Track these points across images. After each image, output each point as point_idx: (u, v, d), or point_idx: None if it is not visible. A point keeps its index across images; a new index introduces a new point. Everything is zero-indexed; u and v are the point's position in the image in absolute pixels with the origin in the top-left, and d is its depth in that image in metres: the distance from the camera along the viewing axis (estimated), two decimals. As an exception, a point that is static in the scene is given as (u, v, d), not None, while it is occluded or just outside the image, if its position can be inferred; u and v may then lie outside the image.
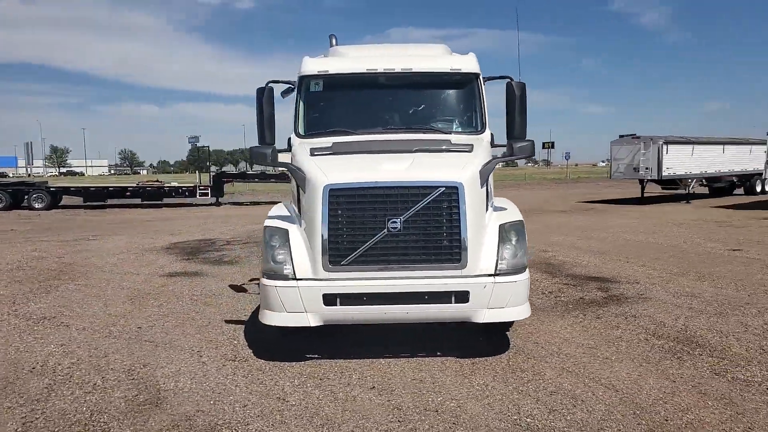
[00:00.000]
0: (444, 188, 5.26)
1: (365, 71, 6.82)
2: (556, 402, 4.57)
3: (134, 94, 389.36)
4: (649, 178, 26.79)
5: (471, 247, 5.26)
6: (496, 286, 5.31)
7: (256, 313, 7.19)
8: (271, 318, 5.44)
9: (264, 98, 6.73)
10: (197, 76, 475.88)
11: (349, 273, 5.28)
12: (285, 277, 5.36)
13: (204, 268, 10.87)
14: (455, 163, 5.56)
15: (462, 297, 5.28)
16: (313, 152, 5.84)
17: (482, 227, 5.46)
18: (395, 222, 5.22)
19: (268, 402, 4.67)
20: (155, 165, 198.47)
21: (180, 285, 9.24)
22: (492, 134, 6.92)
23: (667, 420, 4.22)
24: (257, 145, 6.04)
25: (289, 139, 6.90)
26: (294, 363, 5.55)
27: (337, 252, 5.26)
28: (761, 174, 30.72)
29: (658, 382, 4.93)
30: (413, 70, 6.81)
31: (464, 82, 6.95)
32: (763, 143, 30.59)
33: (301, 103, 6.91)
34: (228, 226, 18.82)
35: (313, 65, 6.94)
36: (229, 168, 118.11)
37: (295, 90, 7.00)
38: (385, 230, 5.22)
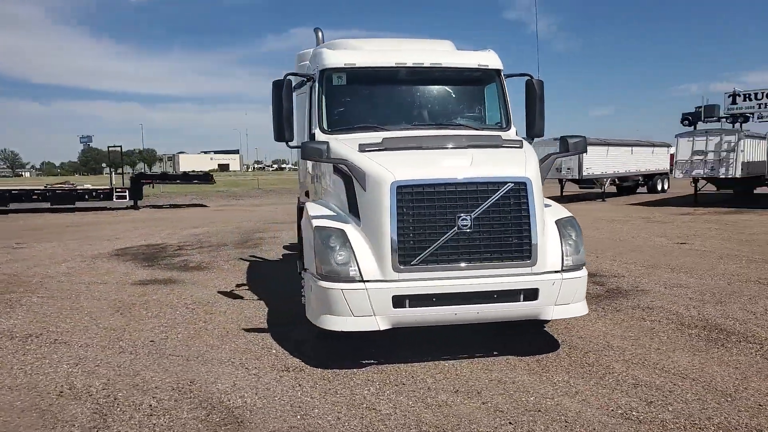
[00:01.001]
0: (513, 184, 5.19)
1: (394, 65, 6.63)
2: (647, 394, 4.62)
3: (13, 91, 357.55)
4: (569, 177, 28.22)
5: (540, 244, 5.22)
6: (564, 282, 5.31)
7: (275, 321, 6.81)
8: (335, 323, 5.12)
9: (283, 92, 6.38)
10: (84, 72, 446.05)
11: (419, 273, 5.08)
12: (351, 279, 5.07)
13: (174, 275, 10.13)
14: (517, 160, 5.50)
15: (531, 294, 5.23)
16: (363, 148, 5.57)
17: (544, 224, 5.44)
18: (466, 219, 5.09)
19: (361, 412, 4.39)
20: (39, 167, 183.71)
21: (162, 293, 8.55)
22: (516, 131, 6.96)
23: (761, 405, 4.38)
24: (308, 140, 5.66)
25: (313, 134, 6.55)
26: (355, 370, 5.26)
27: (407, 251, 5.05)
28: (663, 174, 33.20)
29: (724, 369, 5.13)
30: (442, 65, 6.72)
31: (489, 78, 6.94)
32: (664, 146, 33.11)
33: (324, 97, 6.59)
34: (165, 230, 17.72)
35: (338, 57, 6.65)
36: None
37: (316, 83, 6.67)
38: (456, 228, 5.08)
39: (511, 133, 6.71)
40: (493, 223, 5.15)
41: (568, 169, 28.03)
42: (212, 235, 16.12)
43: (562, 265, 5.33)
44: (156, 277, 9.93)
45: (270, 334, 6.41)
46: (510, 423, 4.18)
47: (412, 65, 6.66)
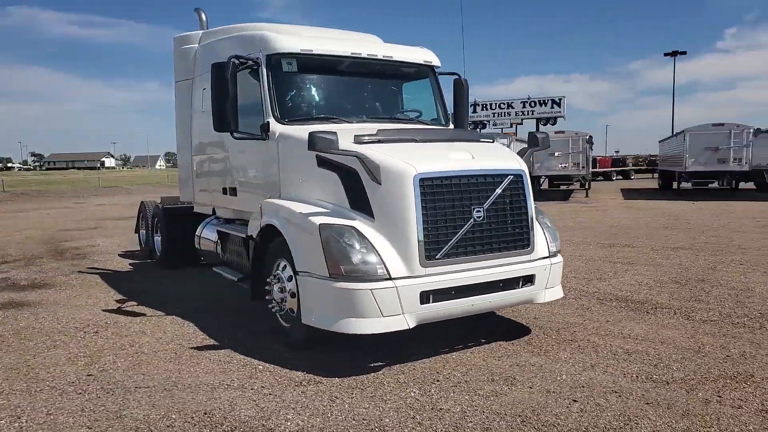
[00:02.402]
0: (513, 176, 5.41)
1: (350, 54, 6.40)
2: (645, 359, 5.21)
3: None
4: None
5: (534, 233, 5.54)
6: (552, 267, 5.70)
7: (220, 334, 6.06)
8: (363, 326, 4.78)
9: (228, 75, 5.77)
10: None
11: (443, 267, 5.02)
12: (379, 278, 4.79)
13: (14, 296, 8.22)
14: (506, 154, 5.74)
15: (529, 280, 5.52)
16: (360, 140, 5.26)
17: None
18: (479, 211, 5.17)
19: (434, 414, 4.18)
20: None
21: (26, 319, 6.92)
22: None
23: (727, 356, 5.27)
24: (319, 131, 5.08)
25: (266, 124, 5.99)
26: (373, 374, 4.95)
27: (431, 246, 4.96)
28: None
29: (672, 331, 6.02)
30: (393, 59, 6.69)
31: (427, 75, 7.08)
32: None
33: (272, 84, 6.06)
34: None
35: (293, 42, 6.20)
36: None
37: (262, 68, 6.13)
38: (471, 219, 5.13)
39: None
40: (499, 214, 5.30)
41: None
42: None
43: (549, 252, 5.71)
44: (2, 300, 7.96)
45: (231, 348, 5.66)
46: (573, 401, 4.37)
47: (366, 56, 6.48)
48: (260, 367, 5.19)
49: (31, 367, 5.30)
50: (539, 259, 5.59)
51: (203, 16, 8.53)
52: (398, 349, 5.48)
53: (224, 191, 7.16)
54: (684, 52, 55.39)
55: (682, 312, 6.75)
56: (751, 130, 25.23)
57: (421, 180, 4.94)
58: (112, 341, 6.02)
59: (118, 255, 12.04)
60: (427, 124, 6.76)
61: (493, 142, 6.06)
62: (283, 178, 5.96)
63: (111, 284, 8.95)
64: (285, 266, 5.59)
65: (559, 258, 5.84)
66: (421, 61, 6.89)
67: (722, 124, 25.59)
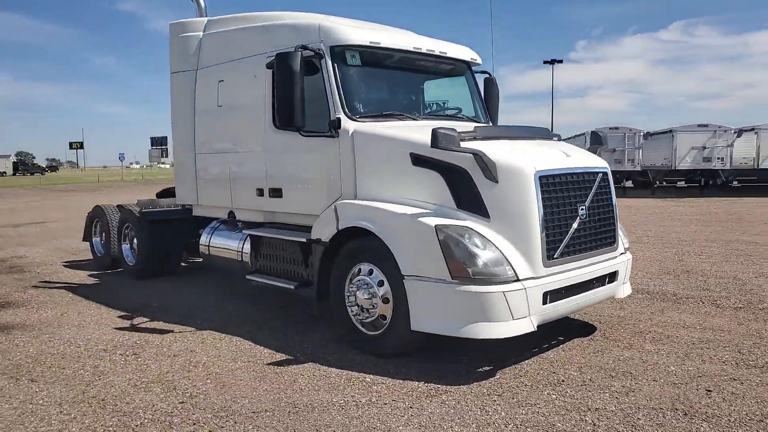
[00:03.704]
0: (602, 173, 5.50)
1: (412, 49, 6.18)
2: (716, 345, 5.51)
3: None
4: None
5: (617, 229, 5.67)
6: (628, 262, 5.87)
7: (307, 348, 5.60)
8: (495, 330, 4.64)
9: (297, 67, 5.42)
10: None
11: (559, 266, 5.00)
12: (509, 280, 4.66)
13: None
14: (587, 152, 5.80)
15: (613, 276, 5.63)
16: (463, 137, 5.08)
17: None
18: (583, 209, 5.20)
19: (591, 415, 4.12)
20: None
21: (53, 343, 5.97)
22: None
23: (792, 338, 5.72)
24: (441, 128, 4.80)
25: (337, 120, 5.63)
26: (493, 380, 4.81)
27: (550, 244, 4.93)
28: None
29: (717, 320, 6.42)
30: (447, 55, 6.58)
31: (467, 72, 7.02)
32: None
33: (339, 78, 5.74)
34: None
35: (358, 34, 5.88)
36: None
37: (327, 60, 5.77)
38: (578, 217, 5.15)
39: None
40: (596, 212, 5.36)
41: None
42: None
43: (624, 248, 5.87)
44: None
45: (313, 362, 5.26)
46: (708, 390, 4.51)
47: (425, 51, 6.30)
48: (367, 379, 4.85)
49: (97, 398, 4.57)
50: (620, 255, 5.73)
51: (202, 2, 7.83)
52: (487, 351, 5.33)
53: (260, 193, 6.60)
54: (560, 61, 59.60)
55: (709, 301, 7.21)
56: (642, 133, 27.69)
57: (541, 178, 4.86)
58: (165, 363, 5.34)
59: (63, 266, 10.73)
60: (478, 122, 6.69)
61: (560, 139, 6.12)
62: (361, 177, 5.59)
63: (94, 299, 7.94)
64: (371, 270, 5.26)
65: (629, 254, 6.01)
66: (468, 59, 6.81)
67: (617, 128, 27.82)
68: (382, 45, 5.91)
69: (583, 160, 5.46)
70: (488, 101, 7.24)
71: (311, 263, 5.98)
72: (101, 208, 10.22)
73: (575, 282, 5.11)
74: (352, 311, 5.44)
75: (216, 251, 7.45)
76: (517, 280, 4.68)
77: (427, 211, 4.98)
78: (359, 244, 5.42)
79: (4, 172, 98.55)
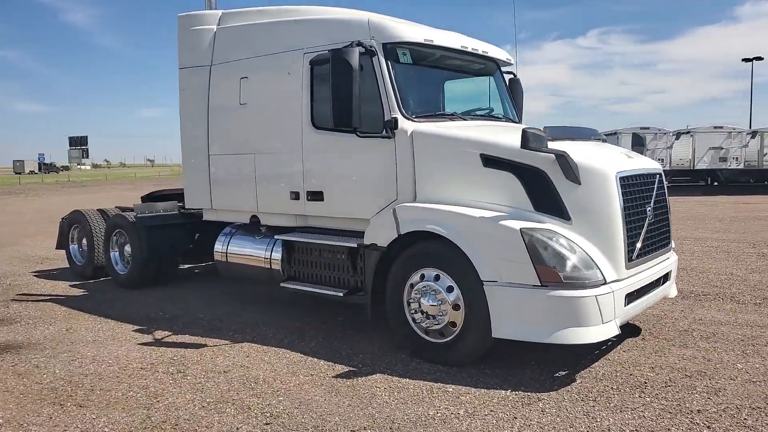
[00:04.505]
0: (659, 174, 5.56)
1: (459, 48, 6.06)
2: (771, 342, 5.69)
3: None
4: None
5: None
6: (676, 262, 5.96)
7: (365, 359, 5.36)
8: (587, 335, 4.57)
9: (356, 65, 5.23)
10: None
11: (636, 268, 4.99)
12: (599, 283, 4.60)
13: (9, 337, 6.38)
14: (637, 153, 5.84)
15: (667, 277, 5.70)
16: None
17: None
18: (650, 210, 5.23)
19: (698, 417, 4.12)
20: None
21: (78, 363, 5.43)
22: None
23: (827, 332, 5.96)
24: (530, 128, 4.66)
25: (393, 120, 5.43)
26: (577, 384, 4.74)
27: (630, 246, 4.90)
28: None
29: (752, 316, 6.64)
30: (489, 54, 6.49)
31: (497, 71, 6.95)
32: None
33: (393, 77, 5.55)
34: None
35: (412, 31, 5.71)
36: None
37: (380, 57, 5.56)
38: (647, 219, 5.17)
39: None
40: (657, 213, 5.40)
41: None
42: None
43: (672, 248, 5.95)
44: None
45: (381, 373, 5.03)
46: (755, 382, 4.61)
47: (470, 50, 6.18)
48: (449, 389, 4.67)
49: (170, 423, 4.18)
50: (671, 255, 5.80)
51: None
52: (550, 355, 5.26)
53: (294, 196, 6.25)
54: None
55: (727, 297, 7.45)
56: (672, 133, 28.21)
57: (621, 179, 4.84)
58: (219, 380, 4.96)
59: (35, 276, 9.90)
60: (513, 122, 6.62)
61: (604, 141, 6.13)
62: (421, 179, 5.39)
63: (93, 312, 7.33)
64: (438, 276, 5.08)
65: (676, 255, 6.10)
66: (504, 59, 6.74)
67: (648, 128, 27.95)
68: (435, 43, 5.73)
69: (642, 161, 5.50)
70: (514, 101, 7.19)
71: (360, 269, 5.72)
72: (82, 213, 9.48)
73: (646, 283, 5.12)
74: (414, 318, 5.23)
75: (236, 258, 7.01)
76: (605, 283, 4.62)
77: (506, 214, 4.85)
78: (422, 249, 5.22)
79: None
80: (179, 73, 7.30)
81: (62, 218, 10.08)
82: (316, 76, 5.90)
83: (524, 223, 4.69)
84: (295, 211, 6.34)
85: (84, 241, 9.49)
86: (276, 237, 6.43)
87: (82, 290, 8.73)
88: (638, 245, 4.98)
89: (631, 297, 4.92)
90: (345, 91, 5.20)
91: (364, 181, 5.75)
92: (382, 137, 5.48)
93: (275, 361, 5.42)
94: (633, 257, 4.91)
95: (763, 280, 8.39)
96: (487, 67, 6.78)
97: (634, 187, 5.01)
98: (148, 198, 9.82)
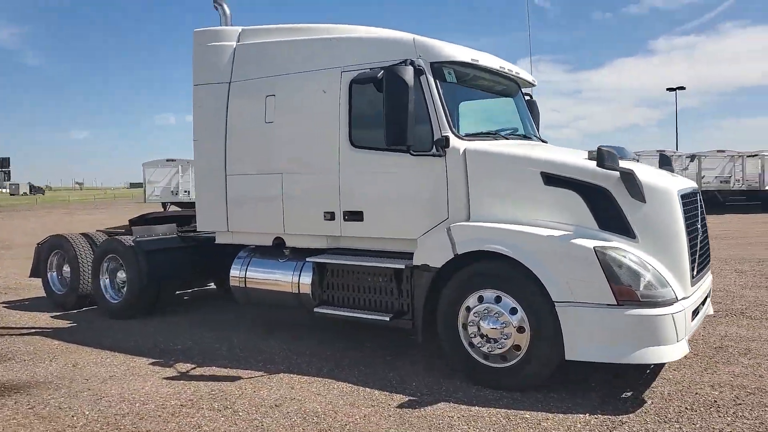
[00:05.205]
0: (699, 193, 5.66)
1: (498, 68, 6.06)
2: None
3: None
4: (189, 199, 26.83)
5: (707, 248, 5.84)
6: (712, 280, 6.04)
7: (418, 387, 5.14)
8: (666, 353, 4.54)
9: (412, 82, 5.15)
10: None
11: (697, 284, 5.00)
12: (673, 301, 4.58)
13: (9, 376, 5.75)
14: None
15: (709, 293, 5.76)
16: (592, 155, 4.99)
17: None
18: (700, 226, 5.29)
19: None
20: None
21: (105, 403, 4.93)
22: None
23: None
24: (606, 146, 4.60)
25: (444, 138, 5.32)
26: (649, 405, 4.67)
27: (693, 263, 4.92)
28: None
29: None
30: (520, 75, 6.51)
31: (519, 93, 6.96)
32: None
33: (442, 96, 5.47)
34: None
35: (459, 51, 5.67)
36: None
37: (428, 76, 5.47)
38: (698, 235, 5.23)
39: None
40: (703, 229, 5.47)
41: (185, 191, 26.82)
42: None
43: (707, 266, 6.04)
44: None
45: (445, 401, 4.81)
46: None
47: (507, 71, 6.16)
48: (526, 416, 4.50)
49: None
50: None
51: (227, 10, 7.09)
52: (601, 376, 5.20)
53: (329, 216, 5.98)
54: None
55: (737, 312, 7.64)
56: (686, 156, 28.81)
57: (682, 196, 4.87)
58: (275, 416, 4.61)
59: (5, 307, 9.11)
60: (543, 141, 6.62)
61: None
62: (475, 198, 5.25)
63: (93, 345, 6.77)
64: (499, 298, 4.94)
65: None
66: (530, 80, 6.75)
67: (664, 151, 28.51)
68: (480, 63, 5.68)
69: (684, 180, 5.57)
70: (534, 119, 7.22)
71: (407, 291, 5.51)
72: (64, 237, 8.81)
73: (701, 300, 5.15)
74: (471, 342, 5.06)
75: (257, 284, 6.62)
76: (677, 301, 4.60)
77: (574, 233, 4.77)
78: (479, 270, 5.08)
79: None
80: (193, 90, 6.92)
81: (38, 243, 9.36)
82: (356, 94, 5.72)
83: (596, 241, 4.63)
84: (329, 232, 6.07)
85: (65, 268, 8.82)
86: (307, 260, 6.12)
87: (69, 321, 8.07)
88: (697, 262, 5.01)
89: (693, 314, 4.92)
90: (400, 110, 5.05)
91: (410, 201, 5.57)
92: (433, 155, 5.33)
93: (325, 392, 5.10)
94: (695, 274, 4.93)
95: (759, 296, 8.68)
96: (510, 87, 6.77)
97: (690, 204, 5.06)
98: (141, 221, 9.27)
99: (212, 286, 9.89)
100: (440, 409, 4.66)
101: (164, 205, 26.45)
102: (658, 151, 27.83)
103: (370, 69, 5.47)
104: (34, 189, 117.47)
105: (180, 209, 24.91)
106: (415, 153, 5.30)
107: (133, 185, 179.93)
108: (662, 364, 5.53)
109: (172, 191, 26.60)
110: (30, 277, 9.49)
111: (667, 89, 54.24)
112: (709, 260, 5.68)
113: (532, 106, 7.22)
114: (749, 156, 28.19)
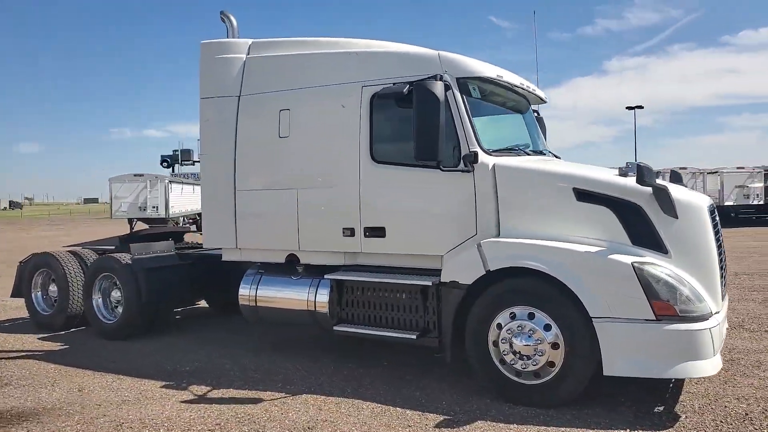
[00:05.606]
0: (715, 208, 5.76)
1: (518, 84, 6.11)
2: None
3: None
4: (157, 215, 26.20)
5: (722, 262, 5.95)
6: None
7: (451, 406, 5.05)
8: (705, 368, 4.57)
9: (443, 97, 5.18)
10: None
11: (725, 299, 5.08)
12: (707, 316, 4.63)
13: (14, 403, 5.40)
14: (688, 188, 6.05)
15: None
16: (624, 172, 5.05)
17: None
18: (722, 241, 5.38)
19: None
20: None
21: (127, 428, 4.68)
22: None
23: None
24: (643, 164, 4.63)
25: (473, 153, 5.31)
26: (686, 419, 4.71)
27: (722, 278, 5.00)
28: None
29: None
30: (536, 92, 6.56)
31: (529, 110, 7.02)
32: None
33: (468, 111, 5.49)
34: None
35: (484, 67, 5.72)
36: None
37: (455, 92, 5.48)
38: (721, 251, 5.31)
39: None
40: (721, 244, 5.57)
41: (153, 207, 26.16)
42: None
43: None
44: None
45: (482, 419, 4.73)
46: None
47: (525, 87, 6.22)
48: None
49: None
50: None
51: (234, 22, 6.95)
52: (633, 387, 5.22)
53: (349, 233, 5.87)
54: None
55: (736, 325, 7.82)
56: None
57: (710, 212, 4.95)
58: (312, 439, 4.45)
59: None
60: (557, 157, 6.68)
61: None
62: (505, 214, 5.23)
63: (92, 368, 6.46)
64: (532, 314, 4.92)
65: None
66: (543, 96, 6.82)
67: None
68: (504, 80, 5.72)
69: (702, 195, 5.68)
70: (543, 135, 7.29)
71: (433, 309, 5.44)
72: (52, 255, 8.42)
73: (723, 315, 5.23)
74: (503, 359, 5.01)
75: (269, 302, 6.43)
76: (712, 315, 4.66)
77: (609, 248, 4.80)
78: (511, 286, 5.05)
79: None
80: (200, 103, 6.74)
81: (21, 262, 8.92)
82: (378, 109, 5.67)
83: (634, 257, 4.66)
84: (347, 248, 5.95)
85: (51, 287, 8.43)
86: (326, 276, 5.98)
87: (59, 343, 7.69)
88: (724, 276, 5.10)
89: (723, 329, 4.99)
90: (431, 125, 5.02)
91: (435, 216, 5.52)
92: (462, 171, 5.31)
93: (355, 413, 4.97)
94: (723, 288, 5.01)
95: (750, 309, 8.91)
96: (521, 104, 6.82)
97: (714, 219, 5.15)
98: (135, 238, 8.95)
99: (203, 304, 9.60)
100: (479, 427, 4.59)
101: (131, 221, 25.73)
102: (670, 169, 28.37)
103: (393, 84, 5.45)
104: (13, 204, 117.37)
105: (147, 226, 24.28)
106: (445, 169, 5.26)
107: (87, 200, 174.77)
108: (683, 379, 5.61)
109: (140, 207, 25.87)
110: (12, 296, 9.03)
111: (627, 108, 55.84)
112: (726, 274, 5.79)
113: (540, 122, 7.29)
114: (709, 173, 29.19)
